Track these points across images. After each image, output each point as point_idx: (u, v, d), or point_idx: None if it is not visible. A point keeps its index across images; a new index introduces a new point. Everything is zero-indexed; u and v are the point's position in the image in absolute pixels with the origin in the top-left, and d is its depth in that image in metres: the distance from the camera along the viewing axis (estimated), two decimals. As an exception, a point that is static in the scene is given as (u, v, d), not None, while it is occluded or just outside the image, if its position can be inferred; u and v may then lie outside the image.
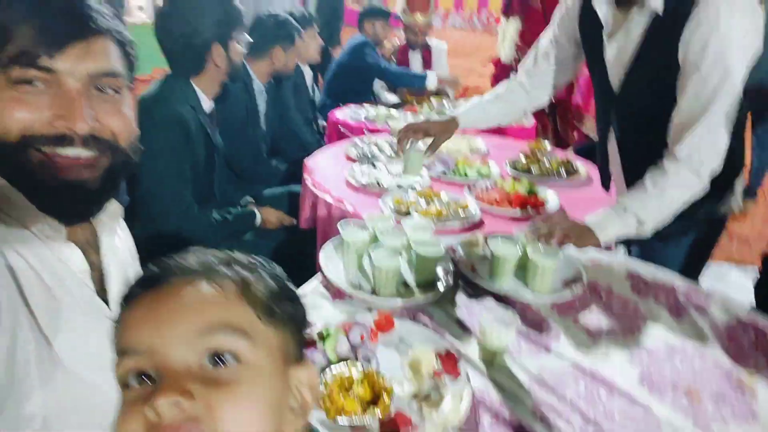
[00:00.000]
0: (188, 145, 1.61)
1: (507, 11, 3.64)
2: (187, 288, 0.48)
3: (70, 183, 0.67)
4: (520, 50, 3.48)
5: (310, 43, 3.01)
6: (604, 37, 1.39)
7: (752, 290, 1.69)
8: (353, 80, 3.41)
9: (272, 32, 2.36)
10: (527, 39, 3.30)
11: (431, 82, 3.42)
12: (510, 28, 3.61)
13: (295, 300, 0.55)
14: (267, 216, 1.93)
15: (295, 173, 2.19)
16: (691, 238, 1.46)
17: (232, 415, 0.43)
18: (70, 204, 0.69)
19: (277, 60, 2.40)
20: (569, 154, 2.30)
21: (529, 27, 3.41)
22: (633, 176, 1.39)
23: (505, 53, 3.70)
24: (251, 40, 1.88)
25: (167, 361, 0.44)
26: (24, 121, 0.64)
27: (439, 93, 3.43)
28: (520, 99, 1.72)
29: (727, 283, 2.84)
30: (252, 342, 0.47)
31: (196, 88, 1.68)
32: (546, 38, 1.63)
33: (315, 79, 3.47)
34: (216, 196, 1.85)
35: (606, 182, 1.68)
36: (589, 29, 1.44)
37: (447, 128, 1.75)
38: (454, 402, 0.87)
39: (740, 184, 1.43)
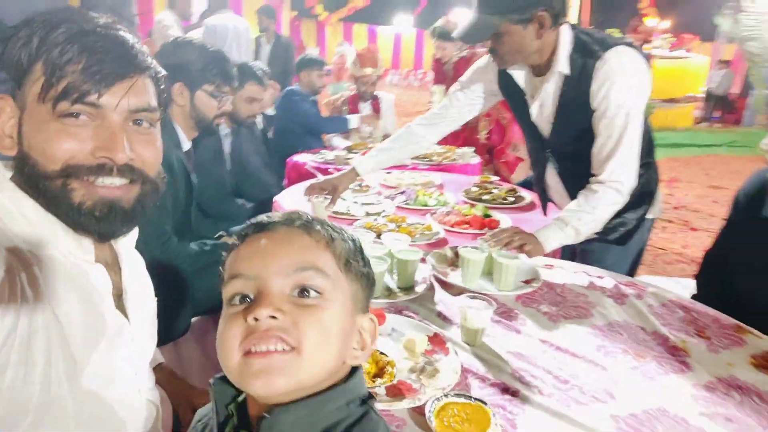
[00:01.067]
0: (170, 180, 1.71)
1: (436, 80, 4.11)
2: (289, 234, 0.60)
3: (106, 201, 0.71)
4: None
5: (266, 93, 3.21)
6: (528, 100, 1.66)
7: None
8: (292, 126, 3.66)
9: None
10: None
11: (354, 124, 3.77)
12: (436, 95, 4.03)
13: (367, 263, 0.65)
14: None
15: (261, 212, 2.31)
16: (627, 243, 1.71)
17: (310, 332, 0.55)
18: (105, 221, 0.72)
19: (244, 107, 2.55)
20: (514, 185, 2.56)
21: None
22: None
23: None
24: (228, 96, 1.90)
25: (267, 286, 0.56)
26: (68, 152, 0.68)
27: (386, 137, 3.73)
28: (410, 142, 1.94)
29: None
30: (332, 283, 0.58)
31: (177, 128, 1.79)
32: (453, 87, 1.89)
33: (268, 125, 3.65)
34: (192, 231, 1.93)
35: (544, 208, 1.94)
36: (512, 92, 1.72)
37: (341, 181, 1.94)
38: (446, 370, 1.01)
39: (659, 195, 1.71)
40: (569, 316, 1.30)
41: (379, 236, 1.57)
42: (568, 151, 1.67)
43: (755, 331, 1.25)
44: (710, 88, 10.95)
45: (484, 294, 1.25)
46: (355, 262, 0.63)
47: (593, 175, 1.56)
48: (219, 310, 0.60)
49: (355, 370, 0.62)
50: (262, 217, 0.63)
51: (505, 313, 1.29)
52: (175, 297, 1.79)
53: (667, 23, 10.83)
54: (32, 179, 0.69)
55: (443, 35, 3.83)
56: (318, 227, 0.62)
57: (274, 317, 0.54)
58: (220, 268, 0.63)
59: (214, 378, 0.61)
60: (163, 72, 0.79)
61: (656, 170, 1.74)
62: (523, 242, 1.50)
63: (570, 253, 1.81)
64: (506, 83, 1.70)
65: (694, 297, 1.51)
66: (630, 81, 1.46)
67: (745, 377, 1.07)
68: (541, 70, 1.57)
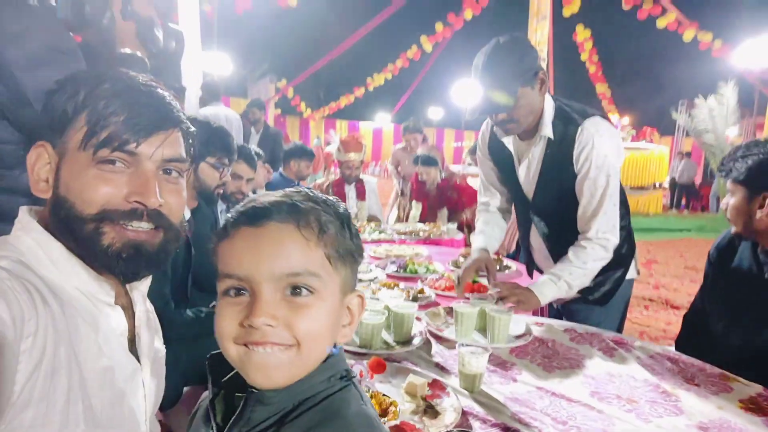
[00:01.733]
0: None
1: (415, 197, 4.27)
2: (280, 233, 0.60)
3: (133, 243, 0.74)
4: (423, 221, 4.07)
5: (259, 173, 3.36)
6: (516, 162, 1.81)
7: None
8: None
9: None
10: (428, 217, 4.02)
11: None
12: (414, 211, 4.22)
13: (355, 235, 0.66)
14: None
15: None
16: (608, 303, 1.78)
17: (306, 331, 0.59)
18: (131, 262, 0.75)
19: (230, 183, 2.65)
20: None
21: (429, 207, 4.10)
22: (558, 255, 1.74)
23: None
24: (231, 170, 2.04)
25: (261, 290, 0.58)
26: (105, 196, 0.72)
27: (371, 218, 3.96)
28: (496, 217, 2.02)
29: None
30: (322, 281, 0.61)
31: None
32: (482, 173, 2.03)
33: None
34: (188, 302, 1.94)
35: (530, 271, 2.03)
36: (501, 156, 1.86)
37: (487, 260, 1.83)
38: (448, 410, 1.02)
39: (636, 256, 1.82)
40: (562, 366, 1.33)
41: (374, 294, 1.61)
42: (550, 212, 1.78)
43: (741, 379, 1.30)
44: (674, 177, 11.61)
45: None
46: (343, 245, 0.64)
47: (578, 234, 1.66)
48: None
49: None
50: (252, 204, 0.63)
51: (500, 364, 1.32)
52: (168, 364, 1.77)
53: (626, 120, 11.69)
54: (66, 221, 0.72)
55: (427, 161, 4.00)
56: (309, 217, 0.61)
57: (269, 323, 0.58)
58: (211, 253, 0.65)
59: (210, 354, 0.65)
60: (193, 128, 0.84)
61: (631, 233, 1.86)
62: (519, 297, 1.57)
63: (555, 314, 1.87)
64: (496, 150, 1.85)
65: None
66: (608, 144, 1.60)
67: (736, 418, 1.11)
68: (527, 135, 1.72)
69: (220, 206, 2.59)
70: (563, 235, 1.74)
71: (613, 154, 1.62)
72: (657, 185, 10.88)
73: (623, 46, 13.01)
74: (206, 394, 0.70)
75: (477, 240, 1.95)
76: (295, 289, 0.60)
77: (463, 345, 1.18)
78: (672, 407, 1.15)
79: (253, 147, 3.45)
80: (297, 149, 4.16)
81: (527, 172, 1.77)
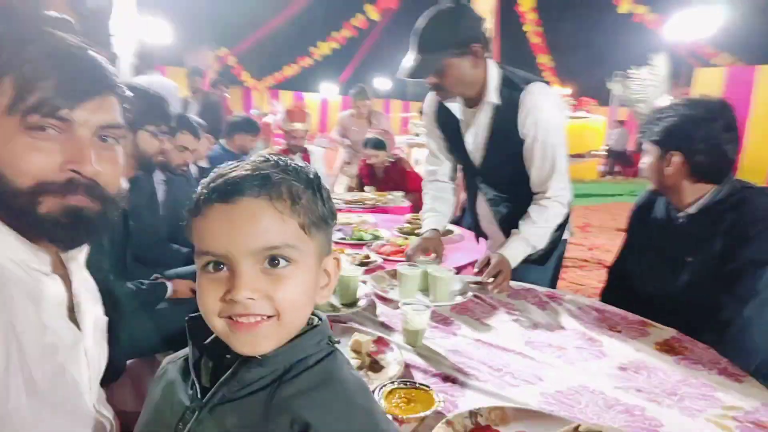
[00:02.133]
0: None
1: (367, 183, 4.15)
2: (252, 209, 0.60)
3: (72, 209, 0.71)
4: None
5: (203, 143, 3.27)
6: (462, 129, 1.85)
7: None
8: None
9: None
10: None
11: None
12: (370, 194, 4.08)
13: (327, 200, 0.67)
14: (178, 287, 2.00)
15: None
16: (546, 263, 1.89)
17: (287, 299, 0.61)
18: (70, 228, 0.72)
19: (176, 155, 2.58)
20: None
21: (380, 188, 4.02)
22: (505, 223, 1.82)
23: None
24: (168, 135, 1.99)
25: (240, 265, 0.59)
26: (37, 165, 0.68)
27: None
28: (446, 204, 2.03)
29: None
30: (298, 250, 0.62)
31: None
32: (429, 141, 2.04)
33: (201, 176, 3.66)
34: (127, 274, 1.90)
35: (477, 236, 2.11)
36: (448, 124, 1.89)
37: (437, 242, 1.89)
38: (391, 364, 1.08)
39: (570, 217, 1.93)
40: (499, 321, 1.42)
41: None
42: (497, 178, 1.85)
43: (657, 324, 1.42)
44: (609, 145, 12.16)
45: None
46: (316, 213, 0.64)
47: (526, 199, 1.74)
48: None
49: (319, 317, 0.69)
50: (223, 179, 0.62)
51: (441, 321, 1.39)
52: (109, 338, 1.74)
53: (568, 90, 12.07)
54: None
55: (376, 145, 3.95)
56: (281, 188, 0.62)
57: (250, 297, 0.59)
58: (186, 229, 0.65)
59: (189, 316, 0.66)
60: (130, 93, 0.81)
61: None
62: (504, 270, 1.62)
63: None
64: (443, 117, 1.88)
65: None
66: (553, 105, 1.68)
67: (651, 359, 1.23)
68: (473, 102, 1.76)
69: (158, 176, 2.52)
70: (509, 200, 1.82)
71: (559, 114, 1.70)
72: (593, 153, 11.37)
73: (565, 18, 13.28)
74: (169, 358, 0.72)
75: (427, 220, 1.97)
76: (273, 261, 0.61)
77: (406, 304, 1.23)
78: (596, 352, 1.25)
79: (194, 117, 3.33)
80: (243, 122, 4.03)
81: (474, 139, 1.81)
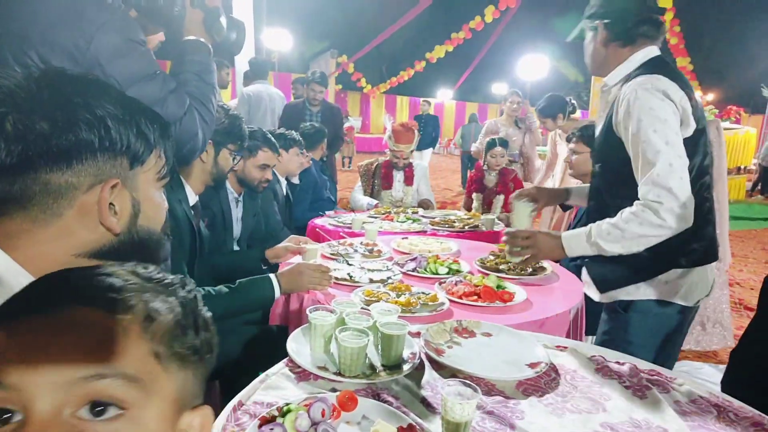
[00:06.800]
0: (174, 229, 1.69)
1: (477, 189, 4.16)
2: (79, 319, 0.41)
3: None
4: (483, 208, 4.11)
5: (292, 160, 3.26)
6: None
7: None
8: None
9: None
10: (488, 206, 4.07)
11: None
12: (476, 203, 4.15)
13: (205, 329, 0.50)
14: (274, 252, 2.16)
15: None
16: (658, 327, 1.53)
17: None
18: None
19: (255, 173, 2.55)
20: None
21: (486, 197, 4.10)
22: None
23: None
24: (241, 156, 2.07)
25: (35, 405, 0.38)
26: None
27: (421, 205, 3.88)
28: None
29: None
30: (143, 389, 0.42)
31: (184, 183, 1.83)
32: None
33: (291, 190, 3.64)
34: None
35: None
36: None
37: (554, 195, 2.03)
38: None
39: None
40: (577, 409, 1.11)
41: (368, 306, 1.44)
42: (595, 177, 1.69)
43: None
44: (761, 160, 10.50)
45: (476, 378, 1.08)
46: (183, 339, 0.46)
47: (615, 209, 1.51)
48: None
49: None
50: (40, 287, 0.44)
51: (500, 403, 1.12)
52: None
53: (710, 96, 10.61)
54: None
55: (503, 143, 4.00)
56: (129, 296, 0.44)
57: None
58: None
59: None
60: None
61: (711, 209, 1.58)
62: (536, 254, 1.64)
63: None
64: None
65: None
66: (655, 97, 1.42)
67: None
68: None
69: (231, 194, 2.54)
70: (601, 208, 1.60)
71: (661, 107, 1.41)
72: (741, 169, 9.90)
73: (709, 15, 11.73)
74: None
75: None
76: (96, 407, 0.40)
77: (449, 384, 0.99)
78: (709, 480, 0.91)
79: (294, 133, 3.34)
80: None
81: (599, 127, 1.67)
